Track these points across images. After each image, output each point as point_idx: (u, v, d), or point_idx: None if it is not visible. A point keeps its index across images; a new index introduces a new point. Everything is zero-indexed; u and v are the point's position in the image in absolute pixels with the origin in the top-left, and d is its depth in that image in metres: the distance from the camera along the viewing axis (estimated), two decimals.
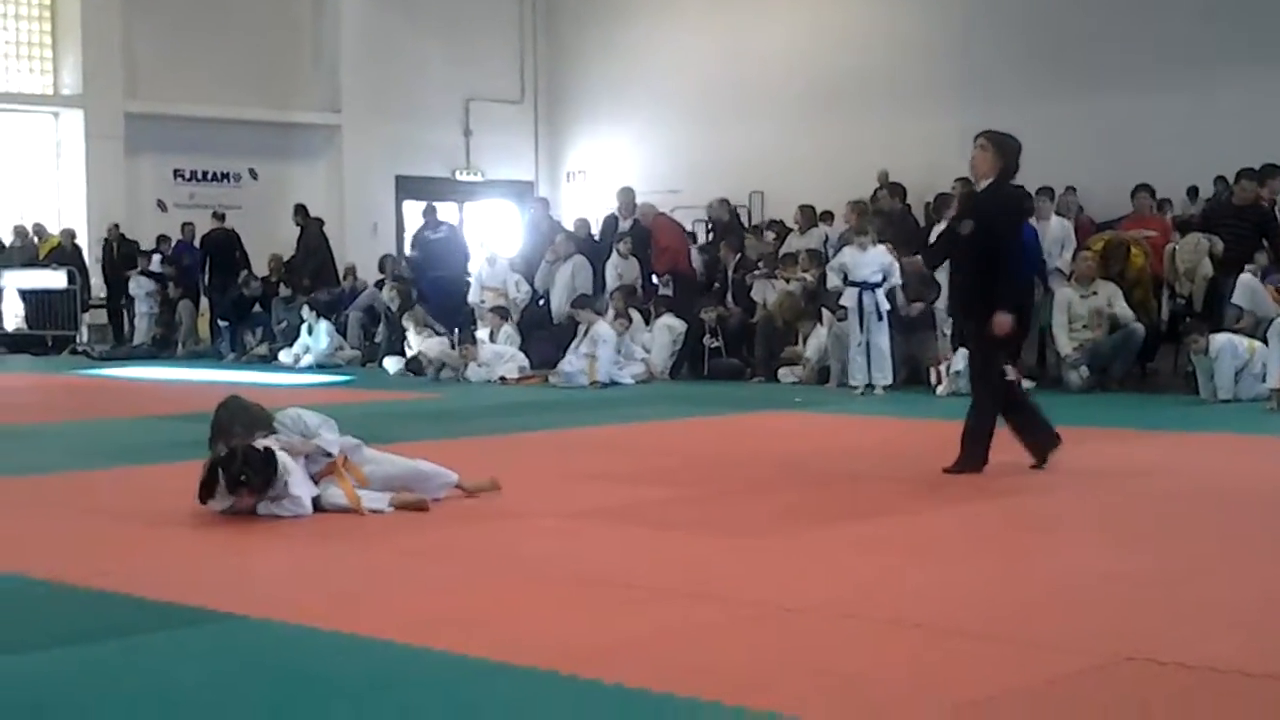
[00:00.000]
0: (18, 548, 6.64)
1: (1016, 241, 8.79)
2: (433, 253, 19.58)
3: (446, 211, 24.20)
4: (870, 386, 14.34)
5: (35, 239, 22.75)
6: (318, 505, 7.33)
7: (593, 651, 4.71)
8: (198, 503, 7.23)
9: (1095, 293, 14.18)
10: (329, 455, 7.44)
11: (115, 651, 4.81)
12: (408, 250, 21.29)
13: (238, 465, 7.11)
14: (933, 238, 15.90)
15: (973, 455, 8.48)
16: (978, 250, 8.36)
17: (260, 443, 7.31)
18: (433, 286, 18.95)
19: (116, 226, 22.80)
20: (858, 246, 14.57)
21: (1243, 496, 7.99)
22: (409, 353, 17.51)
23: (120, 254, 22.70)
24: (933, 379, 14.43)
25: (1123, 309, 14.10)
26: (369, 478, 7.56)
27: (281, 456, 7.22)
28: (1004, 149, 8.48)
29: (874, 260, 14.46)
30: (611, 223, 18.87)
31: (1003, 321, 8.31)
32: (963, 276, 8.64)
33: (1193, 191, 18.68)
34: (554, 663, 4.51)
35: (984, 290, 8.36)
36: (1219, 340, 12.87)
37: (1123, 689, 4.33)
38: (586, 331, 15.86)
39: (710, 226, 20.62)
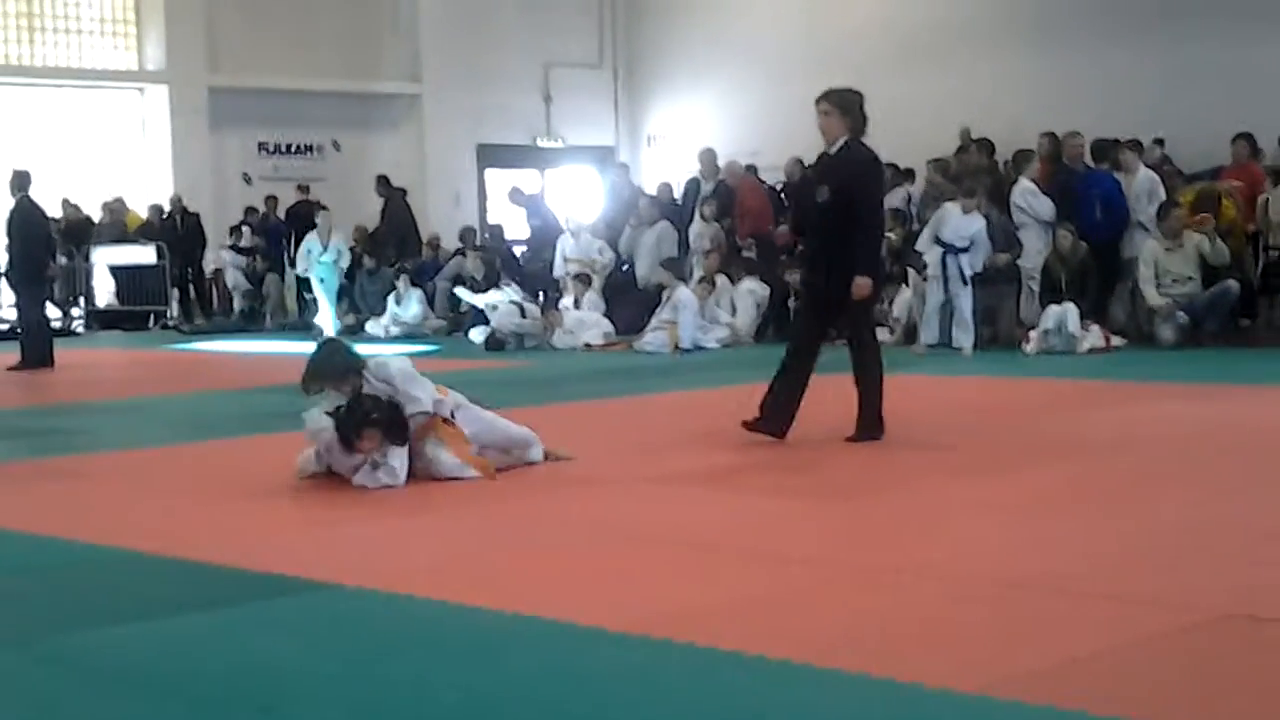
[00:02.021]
0: (115, 521, 6.75)
1: (874, 203, 8.69)
2: (549, 220, 20.00)
3: (528, 179, 24.55)
4: (950, 347, 14.20)
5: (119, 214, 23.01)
6: (414, 473, 7.34)
7: (684, 615, 4.72)
8: (308, 464, 7.33)
9: (1182, 245, 13.95)
10: (425, 413, 7.37)
11: (212, 621, 4.88)
12: (527, 220, 21.43)
13: (369, 405, 7.15)
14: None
15: (875, 417, 8.38)
16: (835, 214, 8.25)
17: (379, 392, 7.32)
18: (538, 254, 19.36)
19: (179, 199, 22.96)
20: (961, 207, 14.31)
21: None
22: (490, 318, 17.50)
23: (186, 228, 22.83)
24: (1024, 337, 14.31)
25: (1216, 249, 13.78)
26: (471, 439, 7.51)
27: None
28: (848, 108, 8.38)
29: (970, 225, 14.23)
30: (694, 186, 18.82)
31: (863, 284, 8.24)
32: (821, 241, 8.47)
33: None
34: (646, 627, 4.52)
35: (843, 253, 8.24)
36: None
37: (1223, 645, 4.29)
38: (669, 297, 15.86)
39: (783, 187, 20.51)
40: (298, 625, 4.81)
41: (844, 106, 8.35)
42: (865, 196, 8.41)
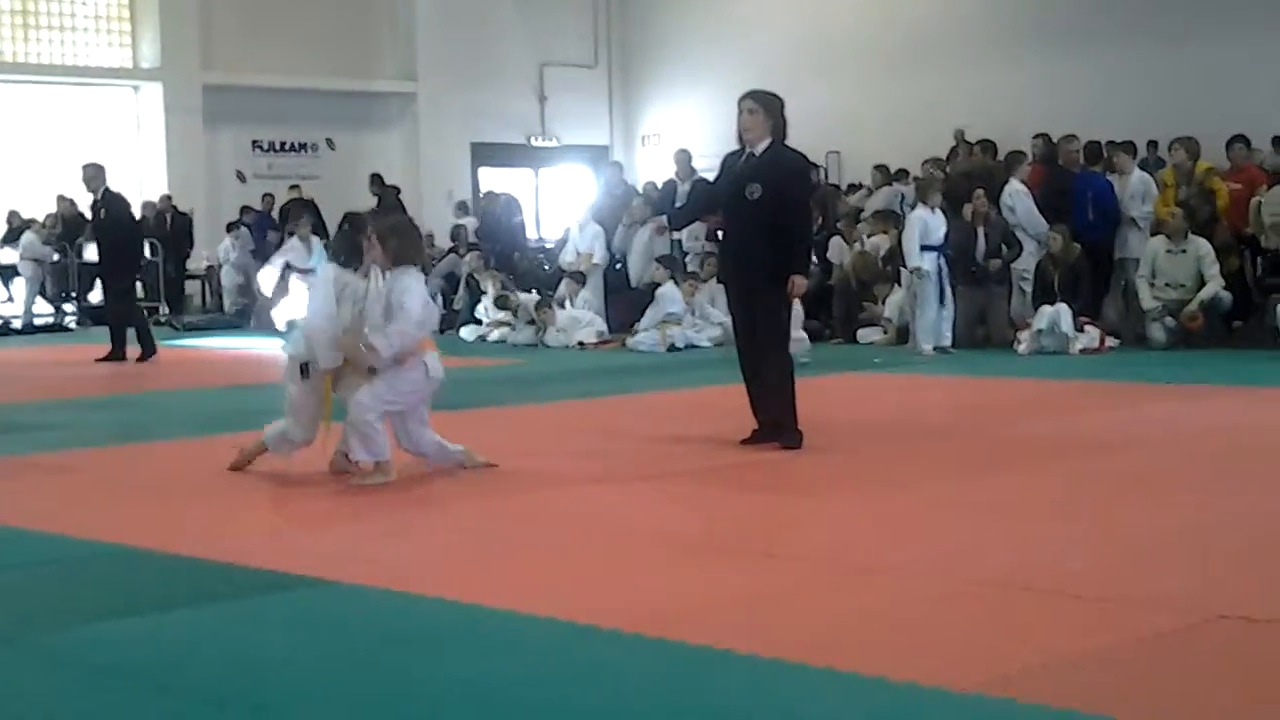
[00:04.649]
0: (106, 516, 6.74)
1: (806, 204, 8.77)
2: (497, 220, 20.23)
3: (515, 177, 24.92)
4: (941, 348, 14.22)
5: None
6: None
7: (677, 613, 4.73)
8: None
9: (1185, 251, 13.92)
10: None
11: (206, 617, 4.87)
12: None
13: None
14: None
15: (793, 418, 8.25)
16: (767, 214, 8.17)
17: None
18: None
19: (169, 198, 22.97)
20: (930, 210, 14.35)
21: None
22: (482, 318, 17.59)
23: (175, 227, 22.80)
24: (1015, 338, 14.32)
25: (1212, 275, 13.77)
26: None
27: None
28: (772, 109, 8.33)
29: (942, 224, 14.32)
30: (670, 187, 18.78)
31: (800, 283, 8.23)
32: (746, 237, 8.35)
33: (1277, 141, 18.36)
34: (639, 625, 4.53)
35: (776, 253, 8.19)
36: None
37: (1216, 647, 4.30)
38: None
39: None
40: (291, 622, 4.81)
41: (769, 108, 8.33)
42: (800, 197, 8.49)
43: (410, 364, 7.28)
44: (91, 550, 5.96)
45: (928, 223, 14.18)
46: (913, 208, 15.34)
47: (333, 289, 7.50)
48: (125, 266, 15.67)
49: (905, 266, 15.15)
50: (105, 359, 15.26)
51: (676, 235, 17.79)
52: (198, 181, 23.64)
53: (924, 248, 14.17)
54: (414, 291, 7.28)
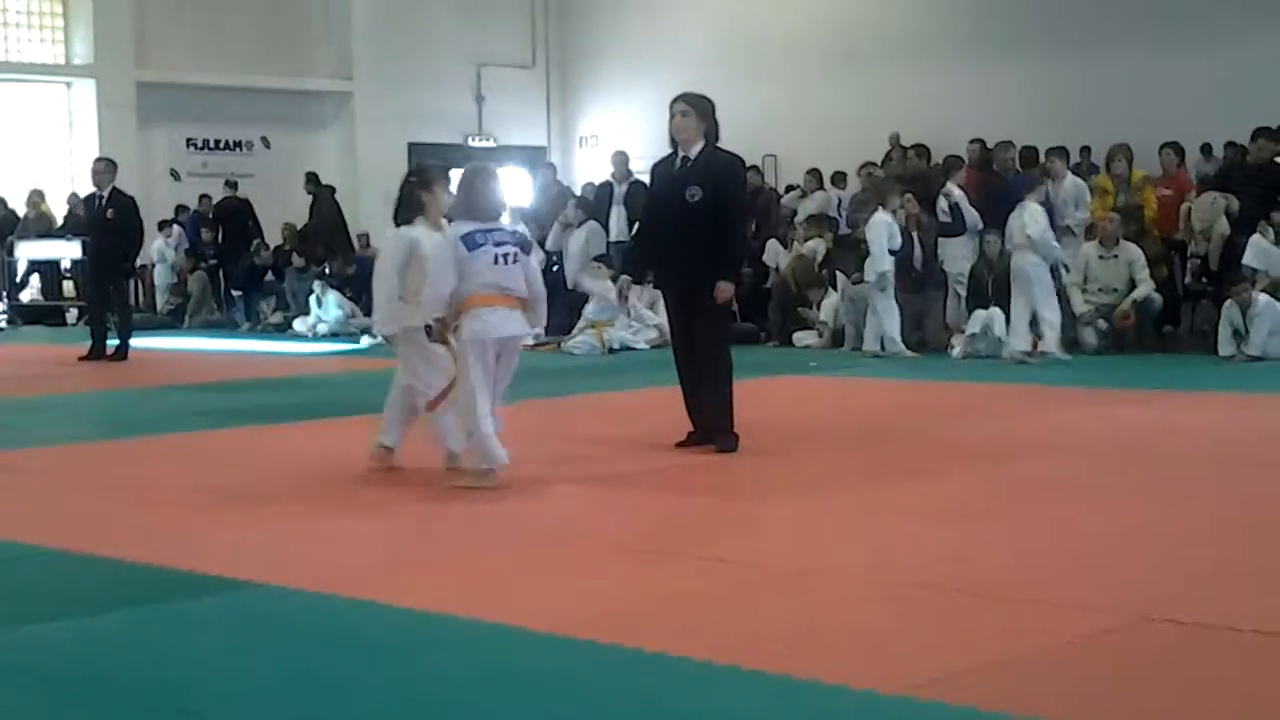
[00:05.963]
0: (33, 520, 6.66)
1: (744, 206, 8.73)
2: None
3: (453, 178, 24.50)
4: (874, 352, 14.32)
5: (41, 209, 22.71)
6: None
7: (608, 616, 4.73)
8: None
9: (1117, 257, 14.04)
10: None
11: (132, 620, 4.83)
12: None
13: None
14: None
15: (729, 424, 8.24)
16: (706, 216, 8.13)
17: None
18: None
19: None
20: (890, 215, 14.43)
21: (1263, 455, 7.97)
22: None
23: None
24: (949, 342, 14.41)
25: (1143, 279, 13.91)
26: None
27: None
28: (704, 112, 8.30)
29: (897, 229, 14.46)
30: (606, 189, 18.77)
31: (725, 289, 8.17)
32: (684, 240, 8.25)
33: (1206, 149, 18.58)
34: (571, 628, 4.52)
35: (715, 256, 8.16)
36: (1262, 299, 12.92)
37: (1144, 649, 4.34)
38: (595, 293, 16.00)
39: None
40: (220, 624, 4.77)
41: (700, 110, 8.29)
42: (738, 199, 8.49)
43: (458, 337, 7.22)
44: (17, 552, 5.89)
45: (890, 227, 14.26)
46: (851, 214, 15.40)
47: (397, 254, 7.50)
48: (127, 265, 15.86)
49: (842, 270, 15.23)
50: (85, 358, 15.24)
51: (617, 237, 17.79)
52: (131, 179, 23.22)
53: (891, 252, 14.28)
54: (435, 252, 7.25)
